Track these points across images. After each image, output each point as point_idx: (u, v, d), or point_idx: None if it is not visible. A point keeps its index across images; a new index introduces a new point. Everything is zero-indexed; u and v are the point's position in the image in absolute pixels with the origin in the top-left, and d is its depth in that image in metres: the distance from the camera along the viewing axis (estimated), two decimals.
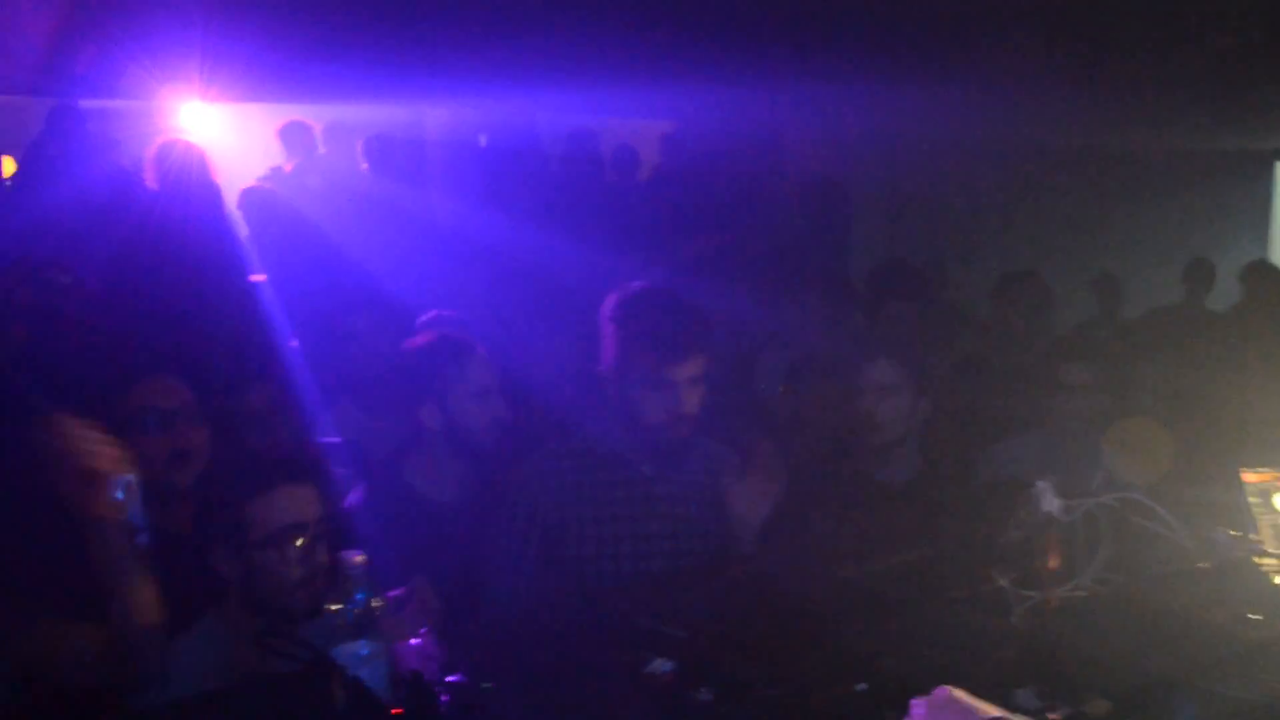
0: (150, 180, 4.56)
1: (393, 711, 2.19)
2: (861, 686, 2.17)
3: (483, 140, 7.69)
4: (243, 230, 5.25)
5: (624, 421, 3.04)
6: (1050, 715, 2.05)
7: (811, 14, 5.30)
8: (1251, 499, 2.86)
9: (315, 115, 7.18)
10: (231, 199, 5.34)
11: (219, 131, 6.94)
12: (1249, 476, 2.89)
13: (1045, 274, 5.55)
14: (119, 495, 2.48)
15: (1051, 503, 2.61)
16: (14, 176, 5.47)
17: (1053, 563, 2.54)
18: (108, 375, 3.16)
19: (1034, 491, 2.63)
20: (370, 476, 3.35)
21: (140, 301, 3.98)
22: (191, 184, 4.48)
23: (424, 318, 4.02)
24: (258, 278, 4.70)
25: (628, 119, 8.01)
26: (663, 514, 3.05)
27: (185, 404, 3.07)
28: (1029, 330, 5.04)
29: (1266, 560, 2.78)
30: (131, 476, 2.52)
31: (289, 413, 3.55)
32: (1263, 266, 7.49)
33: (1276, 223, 11.14)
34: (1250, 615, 2.47)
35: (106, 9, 4.66)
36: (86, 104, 5.27)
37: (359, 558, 2.44)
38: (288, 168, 6.79)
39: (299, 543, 2.59)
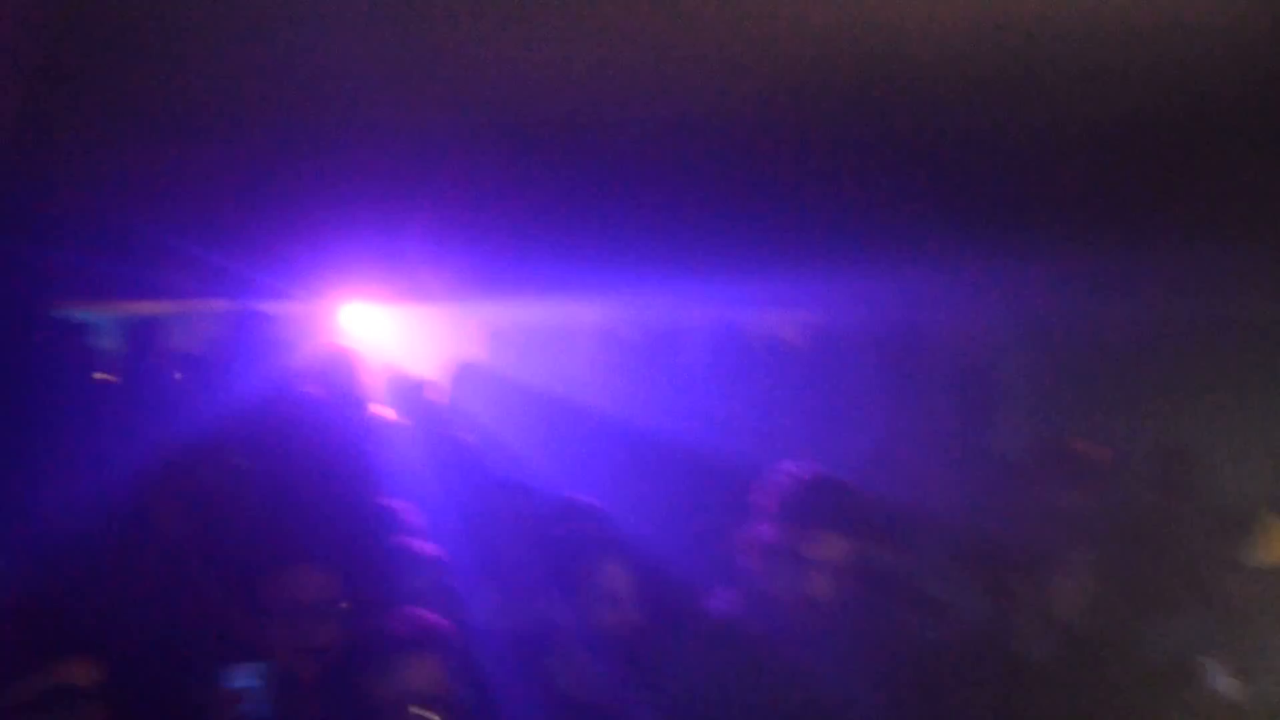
0: (308, 383, 4.76)
1: None
2: None
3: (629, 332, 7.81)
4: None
5: (755, 599, 2.97)
6: None
7: (958, 200, 5.31)
8: None
9: (478, 313, 7.45)
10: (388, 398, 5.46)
11: (385, 330, 7.23)
12: None
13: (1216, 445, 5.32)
14: (246, 683, 2.51)
15: (1222, 683, 2.41)
16: (188, 374, 5.78)
17: None
18: (256, 560, 3.22)
19: (1202, 671, 2.44)
20: (507, 668, 3.28)
21: (289, 494, 4.07)
22: (343, 388, 4.66)
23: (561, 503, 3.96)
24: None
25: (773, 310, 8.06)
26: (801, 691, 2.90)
27: (322, 598, 3.03)
28: (1190, 506, 4.79)
29: None
30: (261, 666, 2.55)
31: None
32: None
33: None
34: None
35: (277, 216, 4.97)
36: (257, 307, 5.60)
37: None
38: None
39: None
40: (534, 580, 3.41)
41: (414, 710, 2.57)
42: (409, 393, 5.81)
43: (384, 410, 5.19)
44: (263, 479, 4.09)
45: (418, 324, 7.52)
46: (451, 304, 7.36)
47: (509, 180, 4.94)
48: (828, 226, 5.80)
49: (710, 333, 7.44)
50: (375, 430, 4.83)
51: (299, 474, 4.18)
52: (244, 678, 2.58)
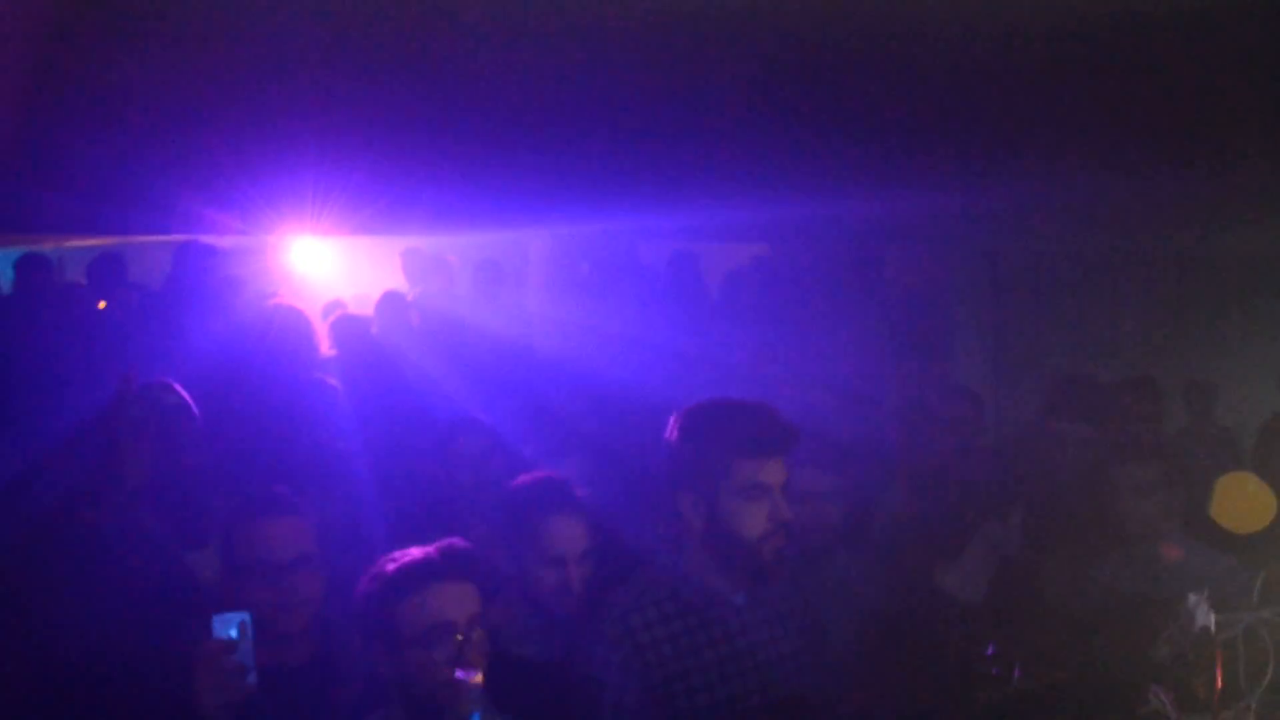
0: (259, 338, 4.65)
1: None
2: None
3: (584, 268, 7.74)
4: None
5: (715, 546, 2.84)
6: None
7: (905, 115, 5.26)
8: None
9: (423, 244, 7.33)
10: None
11: (328, 261, 7.11)
12: None
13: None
14: (232, 634, 2.47)
15: (1206, 617, 2.47)
16: (143, 309, 5.62)
17: (1217, 681, 2.39)
18: (226, 507, 3.10)
19: (1186, 606, 2.50)
20: None
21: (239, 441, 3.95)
22: (293, 347, 4.55)
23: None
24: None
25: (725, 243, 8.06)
26: (756, 644, 2.86)
27: (303, 553, 2.88)
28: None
29: None
30: (246, 615, 2.50)
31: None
32: None
33: None
34: None
35: (225, 152, 4.83)
36: (208, 241, 5.47)
37: (477, 677, 2.39)
38: (410, 295, 6.83)
39: (454, 641, 2.49)
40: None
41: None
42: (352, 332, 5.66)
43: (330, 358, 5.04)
44: (229, 421, 3.95)
45: (363, 257, 7.42)
46: (398, 237, 7.25)
47: (458, 112, 4.85)
48: (784, 156, 5.76)
49: (662, 264, 7.41)
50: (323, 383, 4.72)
51: (265, 419, 4.05)
52: (228, 628, 2.51)
